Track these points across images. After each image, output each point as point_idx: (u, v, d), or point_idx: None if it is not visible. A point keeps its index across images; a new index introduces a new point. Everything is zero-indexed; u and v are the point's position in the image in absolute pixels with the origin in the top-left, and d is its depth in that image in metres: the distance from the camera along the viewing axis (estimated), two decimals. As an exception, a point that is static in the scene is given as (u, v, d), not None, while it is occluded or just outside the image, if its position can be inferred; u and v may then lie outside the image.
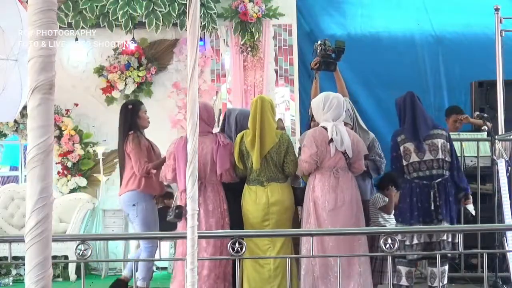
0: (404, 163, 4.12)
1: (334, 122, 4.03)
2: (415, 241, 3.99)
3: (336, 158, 4.00)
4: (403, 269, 4.13)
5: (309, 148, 4.00)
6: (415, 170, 4.10)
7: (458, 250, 3.79)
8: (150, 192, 4.71)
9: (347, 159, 4.02)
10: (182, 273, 4.05)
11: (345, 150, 3.99)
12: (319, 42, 4.81)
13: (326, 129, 4.02)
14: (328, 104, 4.07)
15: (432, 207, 4.00)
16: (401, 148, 4.13)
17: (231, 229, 4.14)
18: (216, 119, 6.60)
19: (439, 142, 4.12)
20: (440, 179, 4.08)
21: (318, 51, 4.75)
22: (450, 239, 4.00)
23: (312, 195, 4.00)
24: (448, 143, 4.19)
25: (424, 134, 4.11)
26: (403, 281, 4.12)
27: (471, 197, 4.29)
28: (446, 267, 4.16)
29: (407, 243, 4.01)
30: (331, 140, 3.97)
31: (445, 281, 4.12)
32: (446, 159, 4.12)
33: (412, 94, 4.25)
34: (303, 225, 4.06)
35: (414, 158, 4.09)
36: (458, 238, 3.96)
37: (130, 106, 4.82)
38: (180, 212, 4.07)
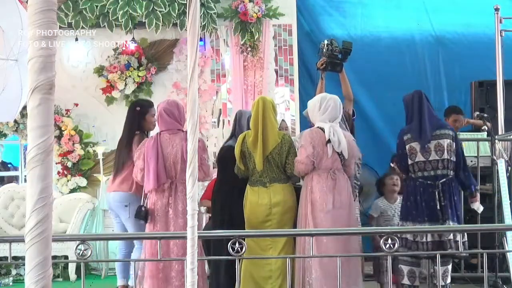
0: (410, 162, 4.12)
1: (331, 123, 4.02)
2: (429, 239, 3.98)
3: (332, 159, 4.00)
4: (404, 268, 4.14)
5: (306, 148, 3.98)
6: (420, 169, 4.10)
7: (465, 249, 3.82)
8: (141, 194, 4.69)
9: (342, 161, 4.02)
10: (155, 277, 4.03)
11: (341, 151, 3.99)
12: (325, 41, 4.74)
13: (322, 129, 4.01)
14: (324, 105, 4.05)
15: (438, 207, 4.00)
16: (407, 147, 4.13)
17: (231, 228, 4.14)
18: (216, 120, 6.64)
19: (445, 142, 4.12)
20: (444, 179, 4.07)
21: (324, 50, 4.69)
22: (457, 238, 3.99)
23: (310, 196, 3.98)
24: (454, 143, 4.17)
25: (430, 135, 4.11)
26: (405, 280, 4.13)
27: (478, 194, 4.29)
28: (449, 267, 4.16)
29: (419, 239, 4.00)
30: (329, 141, 3.96)
31: (448, 280, 4.12)
32: (452, 159, 4.11)
33: (420, 93, 4.24)
34: (299, 226, 4.05)
35: (419, 157, 4.09)
36: (462, 238, 3.98)
37: (138, 108, 4.78)
38: (140, 212, 4.10)
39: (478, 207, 4.29)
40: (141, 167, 4.18)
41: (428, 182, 4.07)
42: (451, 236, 3.97)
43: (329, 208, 3.93)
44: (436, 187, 4.04)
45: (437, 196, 4.02)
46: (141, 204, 4.23)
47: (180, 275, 4.01)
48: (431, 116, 4.20)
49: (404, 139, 4.16)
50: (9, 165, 7.94)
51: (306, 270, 3.92)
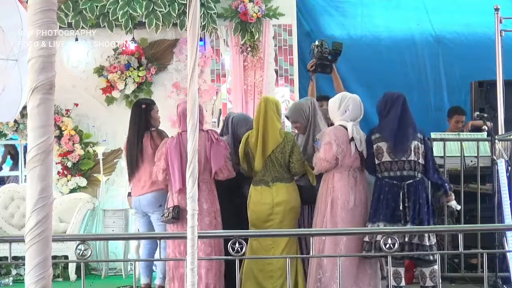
0: (376, 161, 4.09)
1: (353, 122, 4.05)
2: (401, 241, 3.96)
3: (354, 158, 4.04)
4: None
5: (332, 146, 3.99)
6: (386, 169, 4.05)
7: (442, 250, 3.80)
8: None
9: (361, 159, 4.05)
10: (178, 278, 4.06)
11: (362, 150, 4.03)
12: (316, 43, 4.78)
13: (344, 127, 4.04)
14: (344, 105, 4.09)
15: (400, 208, 3.97)
16: (374, 146, 4.09)
17: (224, 229, 4.16)
18: (216, 120, 6.65)
19: (413, 144, 4.06)
20: (411, 181, 4.02)
21: (314, 52, 4.73)
22: (425, 243, 3.97)
23: (332, 194, 4.01)
24: (423, 146, 4.11)
25: (405, 139, 4.05)
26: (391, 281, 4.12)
27: (452, 194, 4.25)
28: (435, 267, 4.11)
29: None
30: (352, 139, 3.99)
31: (438, 281, 4.09)
32: (419, 161, 4.06)
33: (405, 99, 4.19)
34: (315, 223, 4.06)
35: (386, 157, 4.04)
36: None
37: (143, 106, 4.80)
38: (178, 213, 4.08)
39: (455, 205, 4.24)
40: (163, 167, 4.17)
41: (394, 182, 4.02)
42: (417, 240, 3.94)
43: (351, 206, 3.97)
44: (401, 188, 4.00)
45: (401, 197, 3.98)
46: (173, 205, 4.20)
47: (210, 273, 4.06)
48: (411, 122, 4.13)
49: (372, 138, 4.11)
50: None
51: (319, 267, 3.94)
